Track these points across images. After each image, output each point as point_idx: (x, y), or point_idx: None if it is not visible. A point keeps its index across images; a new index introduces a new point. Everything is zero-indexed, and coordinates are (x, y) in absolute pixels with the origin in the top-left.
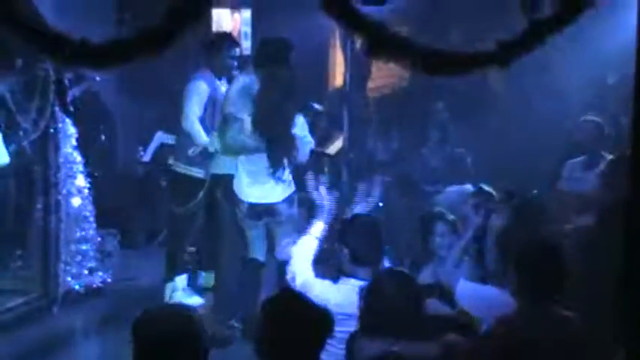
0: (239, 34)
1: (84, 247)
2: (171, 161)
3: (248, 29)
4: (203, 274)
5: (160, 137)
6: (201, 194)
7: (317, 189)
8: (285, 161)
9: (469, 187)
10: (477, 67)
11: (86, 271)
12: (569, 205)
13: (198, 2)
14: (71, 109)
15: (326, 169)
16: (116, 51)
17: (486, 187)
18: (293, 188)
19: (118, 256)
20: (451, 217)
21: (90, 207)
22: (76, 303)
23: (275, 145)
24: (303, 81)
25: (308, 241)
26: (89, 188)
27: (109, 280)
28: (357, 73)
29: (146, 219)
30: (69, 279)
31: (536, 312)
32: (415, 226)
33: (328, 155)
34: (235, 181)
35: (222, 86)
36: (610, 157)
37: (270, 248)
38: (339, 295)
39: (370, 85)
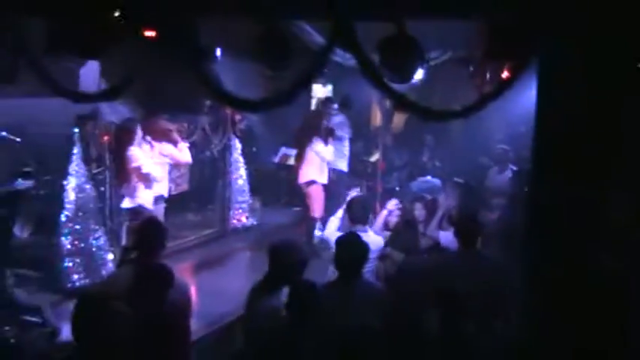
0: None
1: (243, 205)
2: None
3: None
4: None
5: (283, 150)
6: None
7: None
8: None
9: (437, 180)
10: (450, 118)
11: (244, 218)
12: (490, 194)
13: (310, 79)
14: (238, 134)
15: (369, 170)
16: (263, 104)
17: (458, 179)
18: None
19: (260, 210)
20: (429, 197)
21: (246, 185)
22: (237, 234)
23: None
24: (358, 120)
25: (335, 219)
26: (247, 175)
27: (255, 223)
28: (386, 118)
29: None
30: (234, 221)
31: (465, 251)
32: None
33: (370, 162)
34: None
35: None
36: (514, 168)
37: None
38: None
39: (392, 124)
